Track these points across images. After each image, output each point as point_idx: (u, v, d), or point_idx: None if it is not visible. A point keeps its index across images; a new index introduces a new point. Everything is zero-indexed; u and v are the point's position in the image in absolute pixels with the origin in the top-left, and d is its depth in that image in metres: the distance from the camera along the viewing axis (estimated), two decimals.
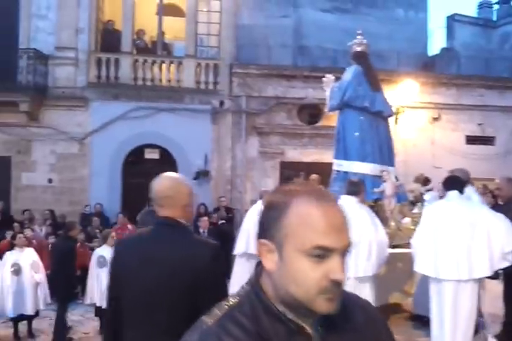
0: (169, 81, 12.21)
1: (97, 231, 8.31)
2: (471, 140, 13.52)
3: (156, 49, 12.65)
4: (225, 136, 12.30)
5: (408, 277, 4.95)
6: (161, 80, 12.21)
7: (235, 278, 5.28)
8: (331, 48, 14.40)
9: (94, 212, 10.67)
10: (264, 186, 12.29)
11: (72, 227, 6.57)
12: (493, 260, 3.85)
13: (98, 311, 6.34)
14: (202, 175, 11.68)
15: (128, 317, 1.95)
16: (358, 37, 6.01)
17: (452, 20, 17.19)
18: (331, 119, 12.72)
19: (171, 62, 12.27)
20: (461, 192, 4.17)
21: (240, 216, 11.93)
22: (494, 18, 18.37)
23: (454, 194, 4.12)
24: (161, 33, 12.73)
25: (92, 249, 7.07)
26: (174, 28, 13.15)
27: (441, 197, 7.33)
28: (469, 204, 4.22)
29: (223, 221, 9.61)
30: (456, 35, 17.24)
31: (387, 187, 5.65)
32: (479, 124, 13.49)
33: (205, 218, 8.80)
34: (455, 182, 4.26)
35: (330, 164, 12.25)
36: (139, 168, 12.00)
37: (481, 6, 18.66)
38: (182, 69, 12.18)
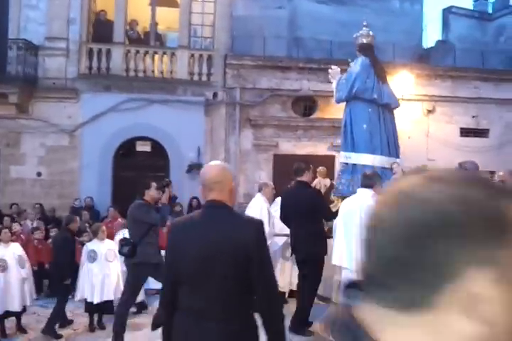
0: (162, 72, 12.04)
1: (87, 225, 8.15)
2: (466, 132, 13.47)
3: (149, 40, 12.46)
4: (219, 128, 12.15)
5: None
6: (153, 71, 12.03)
7: None
8: (326, 40, 14.24)
9: (84, 206, 10.52)
10: (259, 179, 12.22)
11: (71, 220, 6.49)
12: None
13: (88, 307, 6.22)
14: (195, 168, 11.50)
15: (185, 291, 2.19)
16: (364, 28, 5.98)
17: (448, 12, 17.09)
18: (326, 111, 12.66)
19: (164, 53, 12.08)
20: None
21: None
22: (490, 11, 18.26)
23: None
24: (154, 24, 12.54)
25: (83, 244, 6.92)
26: (167, 19, 12.95)
27: None
28: None
29: None
30: (452, 27, 17.13)
31: None
32: (474, 117, 13.43)
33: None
34: None
35: (324, 156, 12.34)
36: (130, 160, 11.86)
37: None
38: (175, 60, 12.00)
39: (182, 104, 11.70)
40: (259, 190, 5.55)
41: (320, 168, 9.17)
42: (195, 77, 12.07)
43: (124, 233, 6.43)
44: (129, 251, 5.32)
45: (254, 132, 12.33)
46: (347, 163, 5.77)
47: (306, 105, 12.77)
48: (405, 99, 12.77)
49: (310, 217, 4.58)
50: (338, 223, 4.37)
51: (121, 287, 6.33)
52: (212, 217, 2.26)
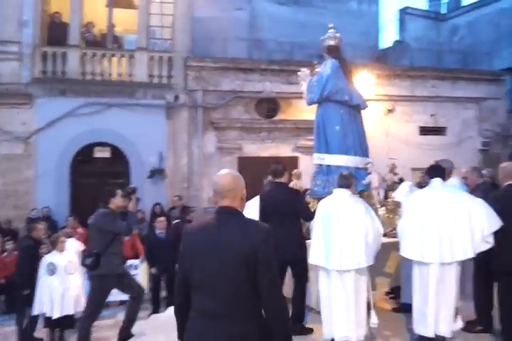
0: (120, 75, 11.72)
1: (44, 236, 7.80)
2: (424, 131, 13.75)
3: (106, 42, 12.11)
4: (181, 131, 11.92)
5: (386, 260, 5.09)
6: (111, 75, 11.70)
7: None
8: (286, 41, 14.28)
9: (41, 216, 10.08)
10: None
11: (33, 228, 6.21)
12: (474, 243, 4.06)
13: (48, 322, 5.93)
14: (157, 173, 11.27)
15: (199, 293, 2.33)
16: (331, 31, 5.95)
17: (404, 13, 17.45)
18: (288, 113, 12.66)
19: (122, 56, 11.77)
20: (443, 179, 4.41)
21: (191, 216, 11.64)
22: (443, 11, 18.77)
23: (437, 181, 4.34)
24: (111, 26, 12.20)
25: (41, 256, 6.60)
26: (125, 21, 12.62)
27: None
28: (451, 191, 4.40)
29: (178, 220, 9.25)
30: (408, 27, 17.51)
31: (373, 179, 5.78)
32: (432, 115, 13.72)
33: (163, 218, 8.38)
34: (438, 170, 4.48)
35: (288, 158, 12.30)
36: (89, 167, 11.49)
37: (431, 0, 19.02)
38: (134, 62, 11.71)
39: (142, 107, 11.43)
40: None
41: (295, 170, 9.24)
42: (155, 80, 11.82)
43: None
44: (92, 262, 5.13)
45: (217, 135, 12.16)
46: (321, 165, 5.77)
47: (268, 107, 12.71)
48: (366, 99, 12.90)
49: (291, 218, 4.59)
50: (315, 223, 4.32)
51: (83, 300, 6.12)
52: (225, 223, 2.39)
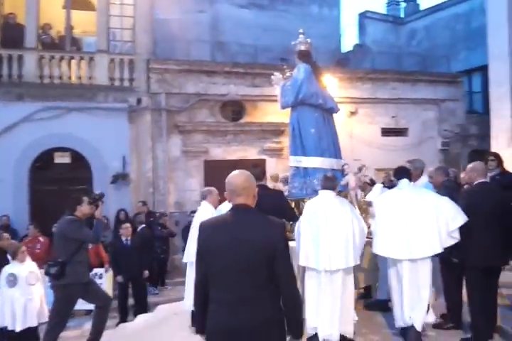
0: (80, 78, 11.37)
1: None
2: (386, 132, 13.98)
3: (64, 44, 11.73)
4: (144, 135, 11.67)
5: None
6: (70, 78, 11.33)
7: (188, 287, 5.25)
8: (249, 44, 14.27)
9: (0, 225, 9.61)
10: (189, 187, 11.88)
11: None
12: (441, 239, 4.31)
13: (10, 336, 5.63)
14: (120, 178, 10.97)
15: (219, 284, 2.51)
16: (301, 36, 6.10)
17: (364, 17, 17.75)
18: (254, 115, 12.62)
19: (82, 58, 11.42)
20: (409, 180, 4.70)
21: (164, 220, 11.41)
22: (402, 15, 19.22)
23: (404, 182, 4.64)
24: (70, 27, 11.84)
25: None
26: (83, 22, 12.33)
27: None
28: (418, 190, 4.69)
29: (143, 225, 9.03)
30: (368, 31, 17.83)
31: (351, 180, 6.05)
32: (393, 117, 13.97)
33: (128, 225, 8.16)
34: (404, 171, 4.77)
35: (255, 161, 12.22)
36: (49, 173, 11.07)
37: (389, 4, 19.46)
38: (94, 65, 11.39)
39: (103, 111, 11.12)
40: (204, 198, 5.41)
41: (273, 173, 9.39)
42: (117, 83, 11.53)
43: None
44: (57, 271, 4.95)
45: (182, 138, 11.96)
46: (297, 167, 5.86)
47: (234, 110, 12.63)
48: None
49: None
50: (302, 225, 4.39)
51: (46, 311, 5.88)
52: (242, 218, 2.59)
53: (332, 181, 4.58)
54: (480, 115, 14.72)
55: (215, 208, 5.30)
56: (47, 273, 5.05)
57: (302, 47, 6.00)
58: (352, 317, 4.35)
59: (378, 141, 13.74)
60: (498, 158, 6.61)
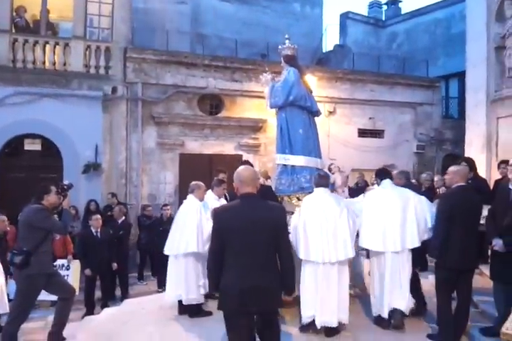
0: (54, 64, 11.02)
1: None
2: (363, 133, 14.05)
3: (39, 29, 11.34)
4: (119, 125, 11.38)
5: None
6: (44, 63, 10.96)
7: (171, 279, 5.38)
8: (229, 38, 14.12)
9: None
10: (164, 179, 11.66)
11: None
12: (420, 233, 4.77)
13: None
14: (92, 168, 10.67)
15: (233, 254, 3.29)
16: (287, 41, 6.41)
17: (345, 17, 17.79)
18: (232, 110, 12.47)
19: (57, 44, 11.06)
20: (391, 180, 5.18)
21: (136, 212, 11.19)
22: (383, 18, 19.35)
23: (387, 182, 5.12)
24: (46, 11, 11.46)
25: None
26: (60, 7, 11.91)
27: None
28: (399, 189, 5.08)
29: (123, 217, 8.82)
30: (349, 32, 17.88)
31: (337, 178, 6.49)
32: (370, 118, 14.03)
33: (98, 216, 7.94)
34: (386, 172, 5.31)
35: (232, 156, 12.12)
36: (18, 160, 10.70)
37: (371, 6, 19.56)
38: (69, 51, 11.04)
39: (77, 98, 10.80)
40: (192, 192, 5.47)
41: (262, 169, 9.55)
42: (92, 70, 11.21)
43: None
44: (22, 261, 4.77)
45: (158, 130, 11.71)
46: (285, 165, 6.14)
47: (212, 103, 12.45)
48: None
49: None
50: (301, 219, 4.68)
51: (6, 301, 5.67)
52: (251, 203, 3.40)
53: (326, 179, 4.97)
54: (455, 120, 14.93)
55: (201, 202, 5.45)
56: (11, 263, 4.86)
57: (288, 52, 6.30)
58: (347, 305, 4.66)
59: (355, 141, 13.79)
60: (470, 163, 6.77)
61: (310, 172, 5.85)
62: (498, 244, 4.49)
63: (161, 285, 8.06)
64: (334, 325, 4.54)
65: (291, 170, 6.00)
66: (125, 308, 6.44)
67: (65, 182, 5.61)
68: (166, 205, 9.60)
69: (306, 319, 4.61)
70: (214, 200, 5.70)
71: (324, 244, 4.55)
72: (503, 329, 4.06)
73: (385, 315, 4.72)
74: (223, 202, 5.69)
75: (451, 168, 4.78)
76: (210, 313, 5.22)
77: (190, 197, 5.44)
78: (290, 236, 4.22)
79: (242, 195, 3.38)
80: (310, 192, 5.26)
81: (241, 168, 3.41)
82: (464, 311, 4.58)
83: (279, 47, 6.44)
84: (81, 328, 5.70)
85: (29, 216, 4.91)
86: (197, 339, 4.79)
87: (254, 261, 3.25)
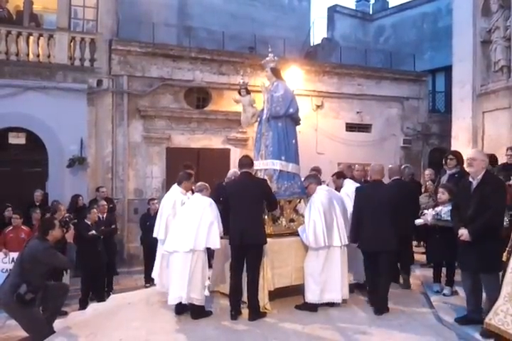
0: (38, 56, 10.81)
1: None
2: (351, 127, 14.05)
3: (22, 20, 11.11)
4: (104, 118, 11.23)
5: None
6: (28, 55, 10.75)
7: (176, 278, 5.36)
8: (217, 31, 13.99)
9: None
10: (150, 173, 11.55)
11: None
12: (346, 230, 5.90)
13: None
14: (77, 161, 10.52)
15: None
16: (270, 55, 6.64)
17: (333, 11, 17.73)
18: (219, 104, 12.36)
19: (40, 35, 10.84)
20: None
21: (122, 206, 11.09)
22: (370, 12, 19.32)
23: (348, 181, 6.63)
24: (29, 2, 11.23)
25: None
26: None
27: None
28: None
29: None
30: (337, 26, 17.83)
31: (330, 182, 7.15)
32: (358, 112, 14.04)
33: (95, 210, 8.08)
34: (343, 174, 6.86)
35: (219, 150, 12.05)
36: (2, 154, 10.49)
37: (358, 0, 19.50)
38: (53, 43, 10.84)
39: (61, 91, 10.60)
40: (200, 191, 5.58)
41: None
42: (77, 62, 11.02)
43: None
44: (32, 298, 4.92)
45: (144, 123, 11.57)
46: (281, 170, 6.35)
47: (199, 97, 12.34)
48: (296, 94, 12.93)
49: (257, 205, 5.41)
50: (314, 212, 5.53)
51: None
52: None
53: (319, 178, 6.17)
54: (442, 114, 15.01)
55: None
56: (18, 297, 4.82)
57: (272, 65, 6.58)
58: (347, 282, 5.66)
59: (342, 135, 13.79)
60: (457, 156, 6.79)
61: (299, 179, 6.37)
62: (464, 234, 4.59)
63: (148, 280, 8.01)
64: (340, 300, 5.56)
65: (287, 176, 6.31)
66: (110, 303, 6.41)
67: (66, 214, 6.10)
68: (153, 199, 9.51)
69: (312, 300, 5.47)
70: (180, 194, 5.81)
71: (336, 232, 5.58)
72: (487, 320, 4.14)
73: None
74: (189, 196, 5.83)
75: (371, 166, 5.93)
76: (210, 313, 5.36)
77: (198, 195, 5.51)
78: (312, 226, 5.46)
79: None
80: (301, 197, 6.21)
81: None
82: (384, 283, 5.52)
83: (262, 61, 6.74)
84: (65, 323, 5.64)
85: (37, 253, 5.02)
86: (182, 333, 4.82)
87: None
